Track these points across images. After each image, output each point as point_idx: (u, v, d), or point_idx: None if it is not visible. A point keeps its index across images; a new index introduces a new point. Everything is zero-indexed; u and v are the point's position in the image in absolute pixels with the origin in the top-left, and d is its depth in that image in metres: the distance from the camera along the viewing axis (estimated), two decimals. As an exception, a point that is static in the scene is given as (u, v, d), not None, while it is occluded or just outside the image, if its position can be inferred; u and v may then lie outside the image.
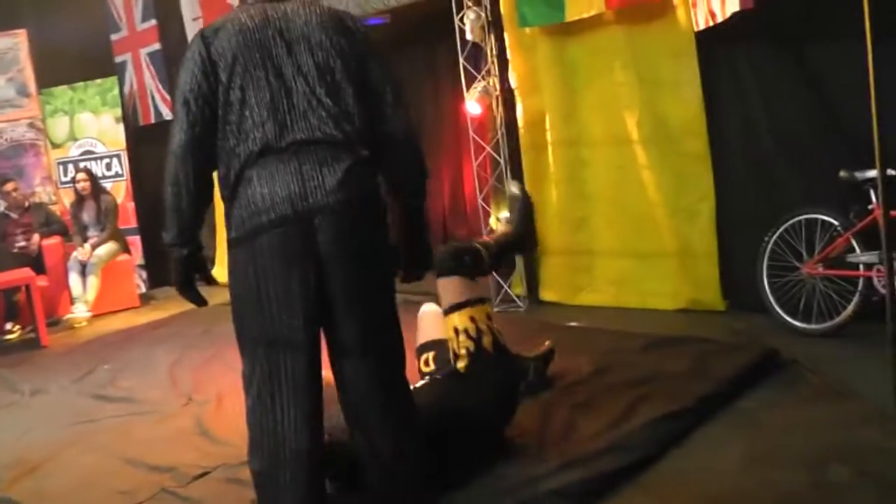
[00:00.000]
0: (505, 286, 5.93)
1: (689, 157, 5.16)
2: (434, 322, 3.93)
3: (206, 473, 3.60)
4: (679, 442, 3.36)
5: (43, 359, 6.53)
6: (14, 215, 8.07)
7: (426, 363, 3.82)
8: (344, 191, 2.51)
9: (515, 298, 5.89)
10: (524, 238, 3.98)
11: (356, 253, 2.54)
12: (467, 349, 3.38)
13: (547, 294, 6.01)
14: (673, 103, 5.17)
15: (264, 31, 2.59)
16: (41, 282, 7.45)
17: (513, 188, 4.06)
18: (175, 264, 2.67)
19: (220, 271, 7.96)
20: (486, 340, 3.40)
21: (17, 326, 7.60)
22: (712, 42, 4.89)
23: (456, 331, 3.43)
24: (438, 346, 3.78)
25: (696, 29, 4.78)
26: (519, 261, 5.93)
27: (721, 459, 3.19)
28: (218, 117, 2.56)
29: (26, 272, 7.24)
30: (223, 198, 2.63)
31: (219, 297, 3.11)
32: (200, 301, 2.77)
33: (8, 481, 3.87)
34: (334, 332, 2.61)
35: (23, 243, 7.94)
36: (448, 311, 3.49)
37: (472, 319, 3.41)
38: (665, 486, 3.06)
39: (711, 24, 4.60)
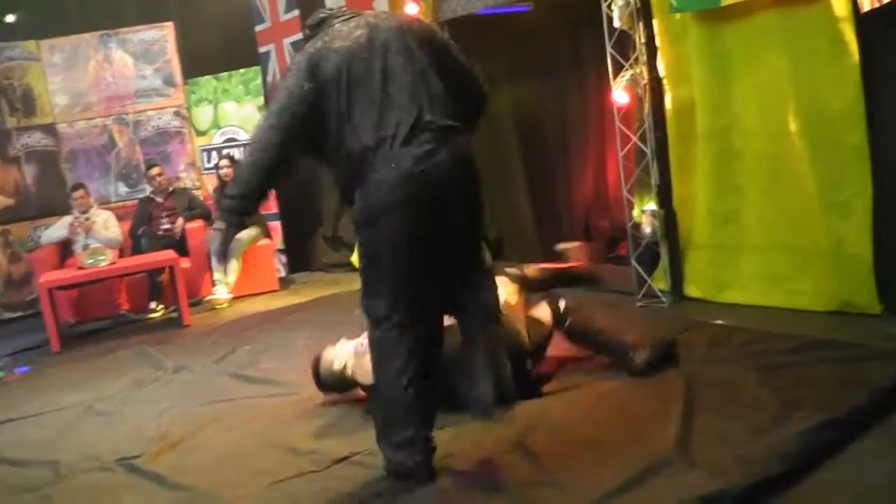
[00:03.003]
0: (648, 280, 5.73)
1: (846, 148, 4.80)
2: None
3: (346, 458, 3.57)
4: (830, 454, 3.08)
5: (185, 338, 6.72)
6: (159, 199, 8.33)
7: None
8: (450, 158, 3.07)
9: (659, 293, 5.67)
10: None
11: (463, 210, 3.16)
12: None
13: (691, 290, 5.76)
14: (830, 91, 4.83)
15: (363, 46, 3.15)
16: (184, 264, 7.66)
17: None
18: (228, 217, 3.30)
19: (355, 257, 8.01)
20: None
21: (161, 306, 7.88)
22: (873, 26, 4.56)
23: None
24: None
25: (861, 11, 4.48)
26: (663, 255, 5.73)
27: (871, 476, 2.90)
28: (330, 126, 3.14)
29: (170, 254, 7.46)
30: (347, 190, 3.21)
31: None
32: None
33: (151, 454, 3.97)
34: (451, 266, 3.21)
35: (167, 226, 8.20)
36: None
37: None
38: (812, 500, 2.83)
39: (877, 4, 4.33)
